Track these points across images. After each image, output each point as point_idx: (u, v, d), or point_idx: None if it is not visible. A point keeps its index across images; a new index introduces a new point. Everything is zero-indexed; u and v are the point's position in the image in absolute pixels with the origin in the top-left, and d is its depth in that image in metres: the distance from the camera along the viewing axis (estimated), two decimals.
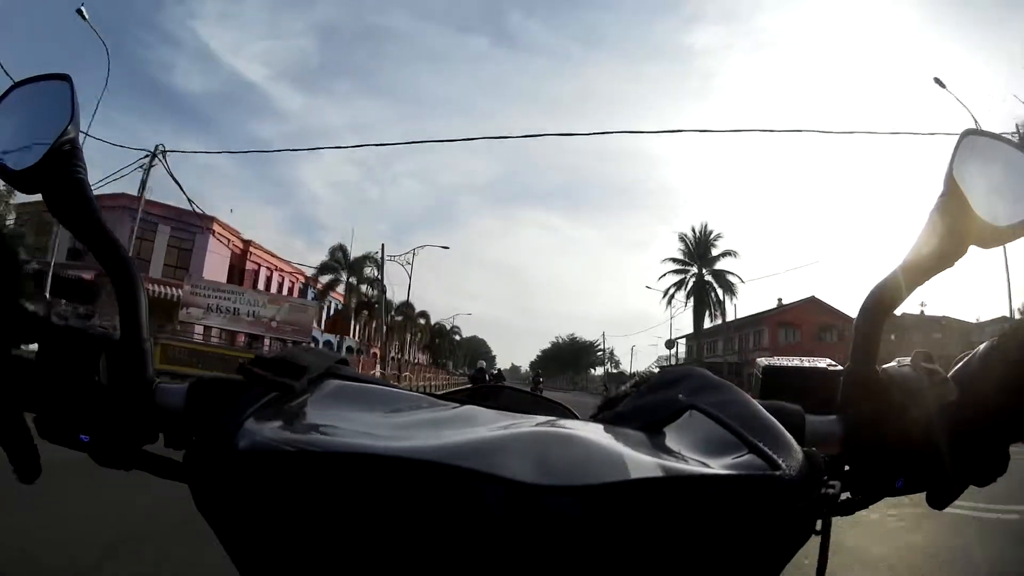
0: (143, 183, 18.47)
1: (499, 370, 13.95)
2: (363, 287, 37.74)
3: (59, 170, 0.49)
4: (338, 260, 36.77)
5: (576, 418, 0.53)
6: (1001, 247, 0.49)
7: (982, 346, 0.49)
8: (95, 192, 0.52)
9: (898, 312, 0.53)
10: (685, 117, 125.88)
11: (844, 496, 0.46)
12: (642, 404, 0.50)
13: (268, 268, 33.99)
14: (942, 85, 18.64)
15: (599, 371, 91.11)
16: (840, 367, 0.53)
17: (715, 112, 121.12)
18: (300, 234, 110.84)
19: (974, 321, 36.11)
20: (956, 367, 0.49)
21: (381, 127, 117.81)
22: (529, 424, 0.43)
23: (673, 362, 47.48)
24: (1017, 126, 19.03)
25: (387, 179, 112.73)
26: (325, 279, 36.76)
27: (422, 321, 53.79)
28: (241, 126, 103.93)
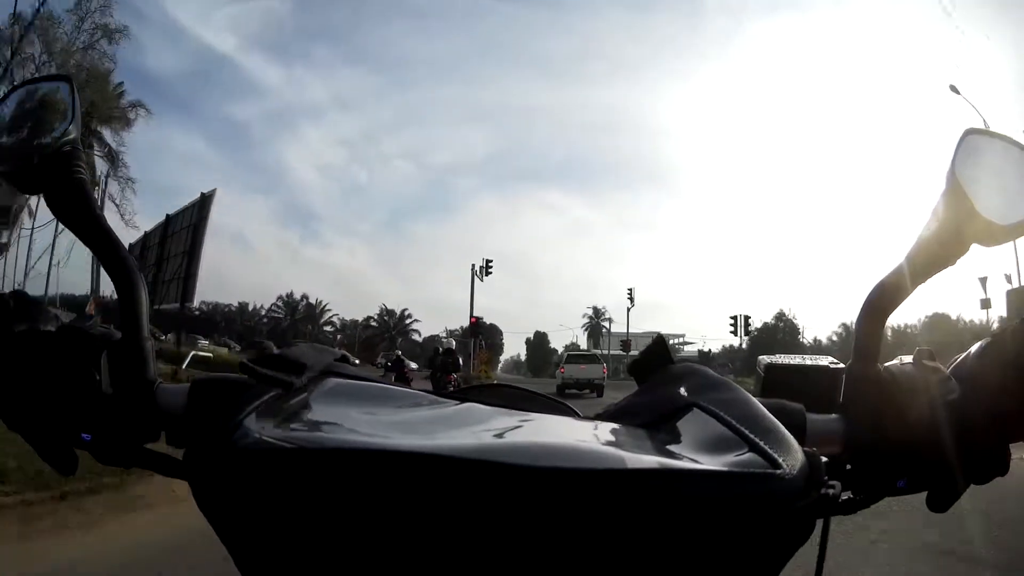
0: None
1: (452, 345, 11.78)
2: None
3: (60, 170, 0.50)
4: None
5: (577, 416, 0.53)
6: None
7: (977, 344, 0.49)
8: None
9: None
10: (695, 82, 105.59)
11: (845, 495, 0.46)
12: (643, 401, 0.50)
13: None
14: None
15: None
16: (842, 365, 0.53)
17: (729, 78, 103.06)
18: (295, 226, 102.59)
19: None
20: (952, 365, 0.49)
21: (368, 99, 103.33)
22: (529, 420, 0.44)
23: None
24: None
25: (378, 159, 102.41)
26: None
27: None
28: (219, 106, 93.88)
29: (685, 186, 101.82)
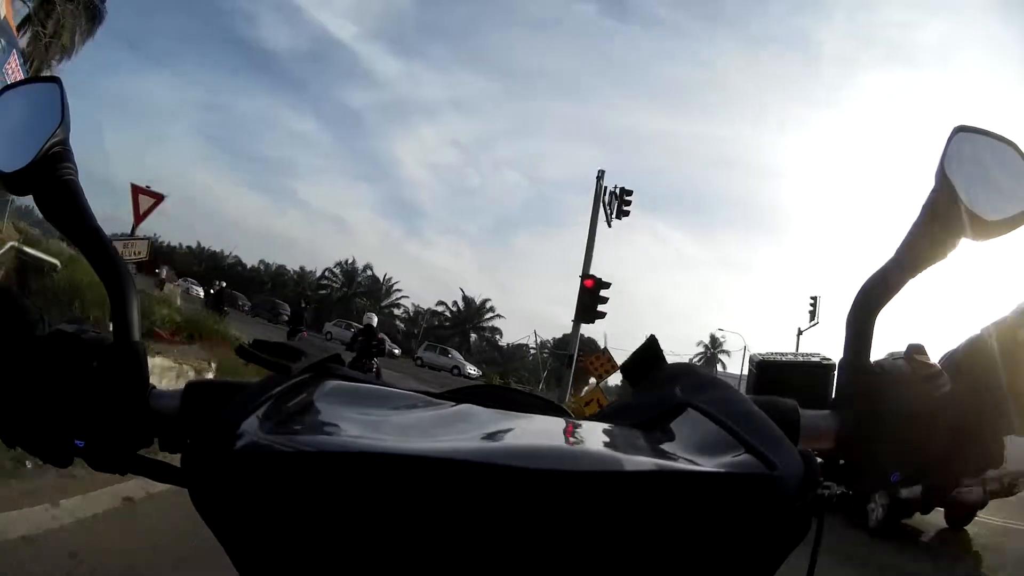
0: None
1: (373, 321, 10.71)
2: None
3: (50, 172, 0.50)
4: None
5: (571, 416, 0.53)
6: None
7: (967, 339, 0.49)
8: None
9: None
10: (807, 127, 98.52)
11: (839, 490, 0.46)
12: (639, 401, 0.50)
13: None
14: None
15: None
16: (834, 361, 0.53)
17: (838, 127, 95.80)
18: (398, 219, 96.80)
19: None
20: (944, 360, 0.49)
21: (483, 104, 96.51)
22: (526, 422, 0.44)
23: None
24: None
25: (489, 165, 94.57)
26: None
27: None
28: (332, 90, 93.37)
29: (791, 233, 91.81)
